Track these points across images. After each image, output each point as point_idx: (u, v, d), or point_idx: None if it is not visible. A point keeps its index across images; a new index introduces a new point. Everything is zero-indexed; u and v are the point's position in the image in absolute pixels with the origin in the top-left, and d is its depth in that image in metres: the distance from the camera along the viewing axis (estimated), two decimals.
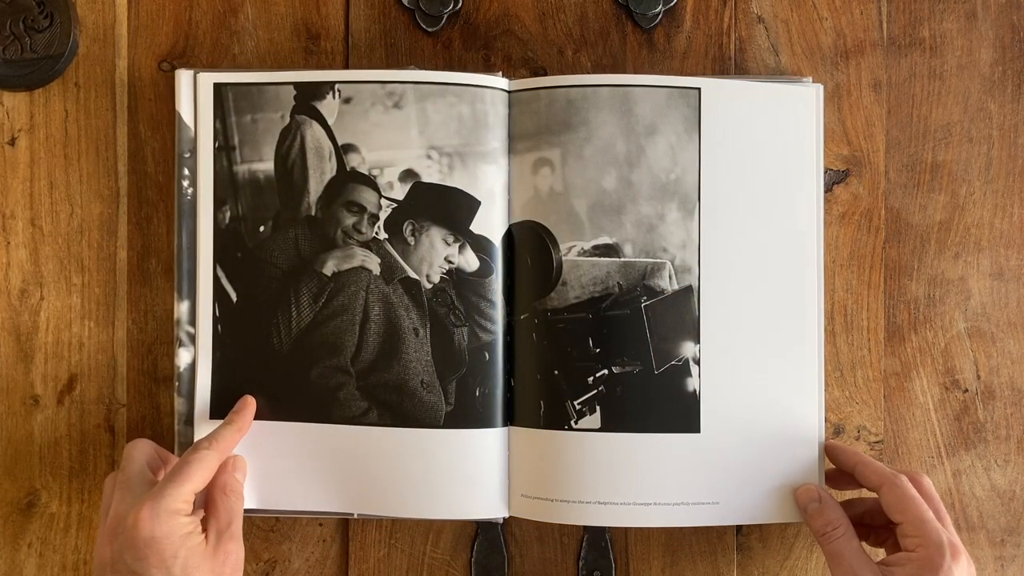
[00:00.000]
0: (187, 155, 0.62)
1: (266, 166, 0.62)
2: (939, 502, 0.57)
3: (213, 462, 0.55)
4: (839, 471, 0.60)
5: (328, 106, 0.61)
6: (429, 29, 0.64)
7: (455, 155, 0.61)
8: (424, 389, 0.61)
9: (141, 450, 0.57)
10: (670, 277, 0.60)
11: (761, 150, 0.61)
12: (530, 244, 0.61)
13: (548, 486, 0.60)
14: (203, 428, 0.61)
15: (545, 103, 0.60)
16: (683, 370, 0.60)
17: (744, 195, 0.61)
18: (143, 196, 0.64)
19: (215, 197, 0.62)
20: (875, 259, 0.65)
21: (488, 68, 0.64)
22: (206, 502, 0.56)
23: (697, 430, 0.60)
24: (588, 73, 0.64)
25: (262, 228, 0.62)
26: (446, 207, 0.61)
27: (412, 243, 0.61)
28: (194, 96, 0.62)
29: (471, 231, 0.61)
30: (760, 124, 0.61)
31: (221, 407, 0.61)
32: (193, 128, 0.62)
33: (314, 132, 0.61)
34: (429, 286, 0.61)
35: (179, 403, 0.62)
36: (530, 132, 0.61)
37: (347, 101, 0.61)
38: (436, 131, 0.61)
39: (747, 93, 0.61)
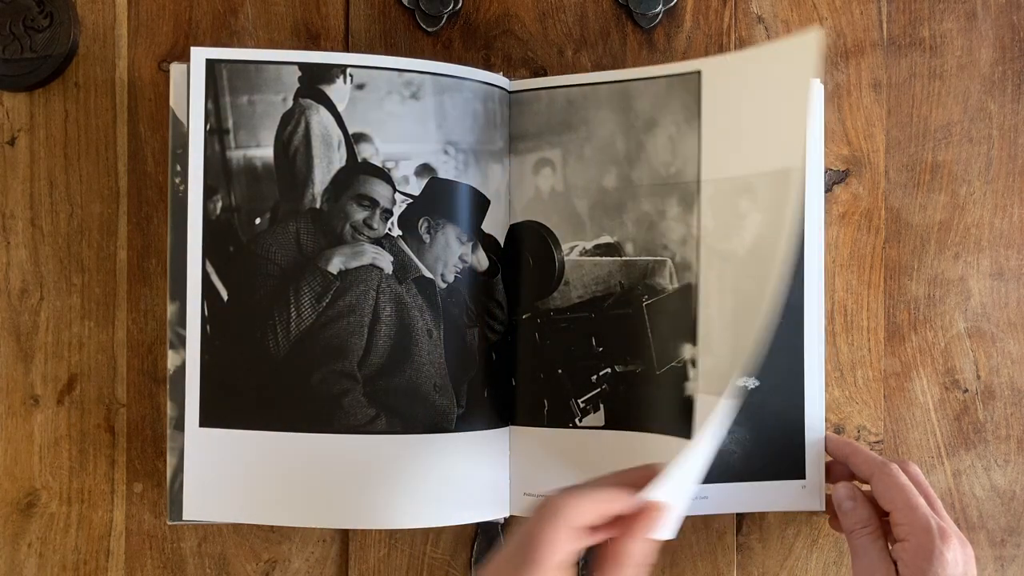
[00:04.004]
0: (180, 151, 0.59)
1: (264, 152, 0.58)
2: (929, 488, 0.57)
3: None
4: (836, 463, 0.61)
5: (338, 91, 0.58)
6: (429, 29, 0.64)
7: (469, 152, 0.59)
8: (437, 393, 0.58)
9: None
10: (671, 275, 0.60)
11: (761, 135, 0.59)
12: (531, 244, 0.61)
13: (551, 483, 0.60)
14: (192, 435, 0.58)
15: (545, 103, 0.60)
16: (682, 370, 0.60)
17: (744, 183, 0.60)
18: (143, 196, 0.64)
19: (205, 185, 0.58)
20: (875, 259, 0.65)
21: (488, 68, 0.64)
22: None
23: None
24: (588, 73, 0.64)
25: (258, 220, 0.58)
26: (462, 205, 0.59)
27: (427, 241, 0.59)
28: (187, 89, 0.58)
29: (481, 230, 0.60)
30: (760, 104, 0.58)
31: (211, 413, 0.58)
32: (185, 121, 0.58)
33: (321, 118, 0.58)
34: (444, 285, 0.59)
35: (170, 407, 0.59)
36: (531, 132, 0.61)
37: (360, 87, 0.58)
38: (453, 126, 0.59)
39: (747, 64, 0.58)
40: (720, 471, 0.60)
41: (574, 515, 0.46)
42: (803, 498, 0.61)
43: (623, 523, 0.48)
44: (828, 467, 0.61)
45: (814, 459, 0.61)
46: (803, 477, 0.61)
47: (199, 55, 0.58)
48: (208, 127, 0.58)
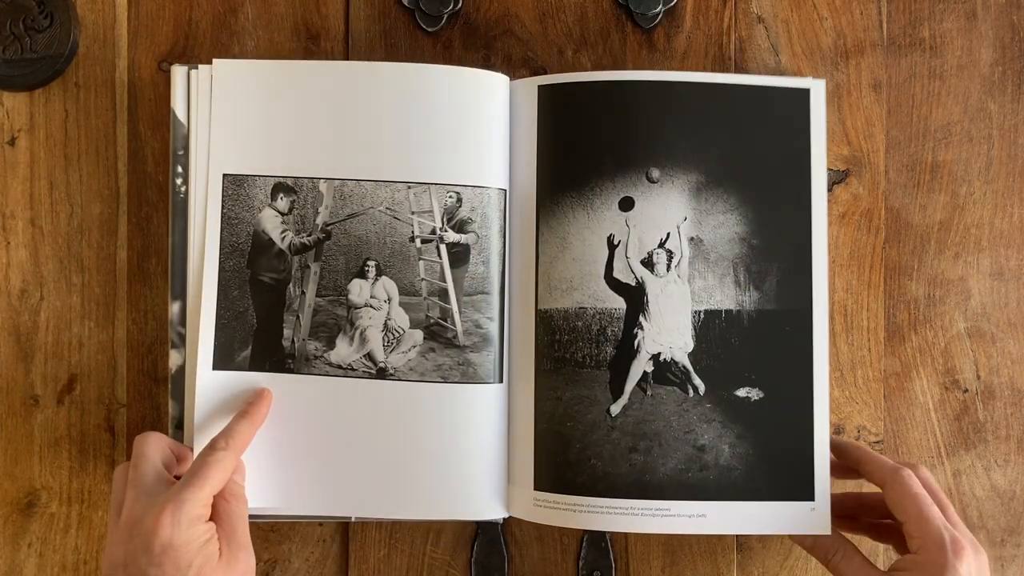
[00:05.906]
0: (180, 152, 0.60)
1: None
2: (940, 493, 0.56)
3: (231, 462, 0.54)
4: (840, 466, 0.60)
5: None
6: (429, 29, 0.64)
7: None
8: None
9: (155, 446, 0.55)
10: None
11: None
12: None
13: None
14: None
15: None
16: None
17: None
18: (143, 196, 0.64)
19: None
20: (875, 259, 0.65)
21: (488, 68, 0.63)
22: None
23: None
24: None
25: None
26: None
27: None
28: (188, 91, 0.60)
29: None
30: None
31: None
32: (187, 124, 0.60)
33: None
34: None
35: (172, 406, 0.60)
36: None
37: None
38: None
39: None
40: (720, 488, 0.58)
41: (155, 440, 0.56)
42: (811, 521, 0.57)
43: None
44: (834, 468, 0.60)
45: (823, 479, 0.58)
46: (811, 498, 0.58)
47: (206, 72, 0.60)
48: None
